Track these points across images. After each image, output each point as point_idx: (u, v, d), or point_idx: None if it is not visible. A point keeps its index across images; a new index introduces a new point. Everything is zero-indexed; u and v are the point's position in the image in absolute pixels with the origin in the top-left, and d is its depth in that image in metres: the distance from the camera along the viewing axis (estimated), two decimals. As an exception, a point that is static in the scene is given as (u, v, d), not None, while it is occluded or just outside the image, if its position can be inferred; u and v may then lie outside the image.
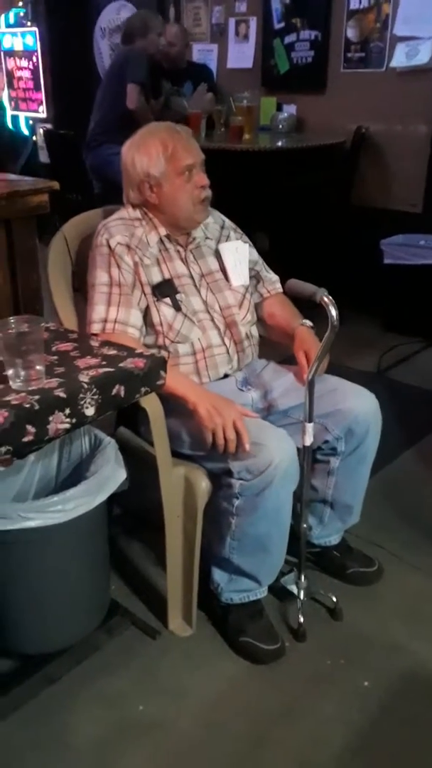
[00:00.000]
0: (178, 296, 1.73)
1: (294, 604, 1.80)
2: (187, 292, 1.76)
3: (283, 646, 1.70)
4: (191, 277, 1.79)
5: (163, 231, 1.78)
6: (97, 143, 3.90)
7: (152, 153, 1.73)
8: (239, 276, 1.85)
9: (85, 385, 1.29)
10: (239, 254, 1.86)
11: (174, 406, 1.61)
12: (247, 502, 1.57)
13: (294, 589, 1.79)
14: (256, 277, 1.95)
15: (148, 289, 1.72)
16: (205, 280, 1.81)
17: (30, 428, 1.21)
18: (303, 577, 1.78)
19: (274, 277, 1.98)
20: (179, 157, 1.72)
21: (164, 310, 1.72)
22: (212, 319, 1.77)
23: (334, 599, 1.82)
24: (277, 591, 1.82)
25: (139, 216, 1.80)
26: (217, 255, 1.85)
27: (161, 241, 1.78)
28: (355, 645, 1.74)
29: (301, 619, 1.75)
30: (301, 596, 1.78)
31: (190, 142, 1.77)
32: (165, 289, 1.73)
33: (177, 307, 1.72)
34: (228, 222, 1.96)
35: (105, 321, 1.68)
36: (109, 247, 1.72)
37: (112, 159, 3.61)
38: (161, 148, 1.73)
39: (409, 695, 1.61)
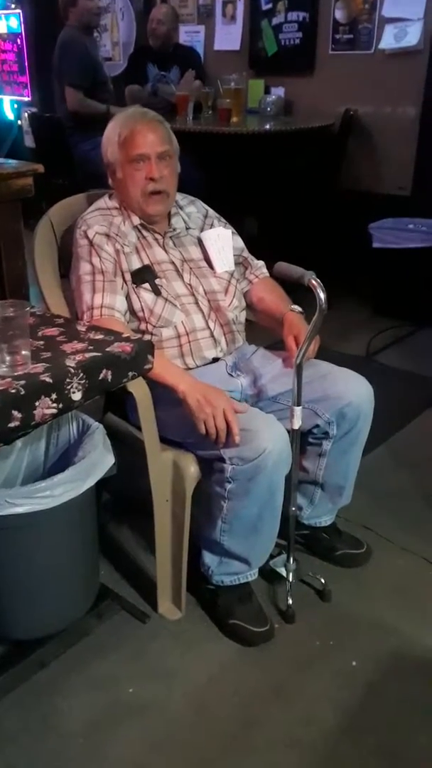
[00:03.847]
0: (157, 281, 1.73)
1: (283, 586, 1.81)
2: (169, 278, 1.76)
3: (272, 628, 1.71)
4: (172, 262, 1.78)
5: (136, 220, 1.78)
6: (75, 140, 3.86)
7: (110, 138, 1.75)
8: (223, 262, 1.84)
9: (72, 370, 1.28)
10: (222, 241, 1.86)
11: (163, 394, 1.61)
12: (239, 486, 1.57)
13: (283, 571, 1.80)
14: (243, 264, 1.95)
15: (128, 277, 1.72)
16: (188, 265, 1.80)
17: (16, 414, 1.20)
18: (292, 560, 1.79)
19: (260, 263, 1.98)
20: (132, 144, 1.71)
21: (144, 296, 1.72)
22: (197, 302, 1.77)
23: (323, 581, 1.83)
24: (266, 573, 1.82)
25: (116, 205, 1.80)
26: (200, 243, 1.84)
27: (138, 229, 1.77)
28: (344, 626, 1.76)
29: (290, 601, 1.76)
30: (290, 578, 1.79)
31: (152, 131, 1.73)
32: (143, 275, 1.73)
33: (157, 291, 1.72)
34: (211, 211, 1.96)
35: (92, 308, 1.67)
36: (88, 238, 1.72)
37: (89, 154, 3.61)
38: (116, 134, 1.73)
39: (397, 675, 1.63)
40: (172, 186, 1.78)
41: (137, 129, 1.72)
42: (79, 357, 1.33)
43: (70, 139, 3.87)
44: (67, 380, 1.27)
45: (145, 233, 1.79)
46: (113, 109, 3.73)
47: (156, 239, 1.80)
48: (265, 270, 1.96)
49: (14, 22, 5.58)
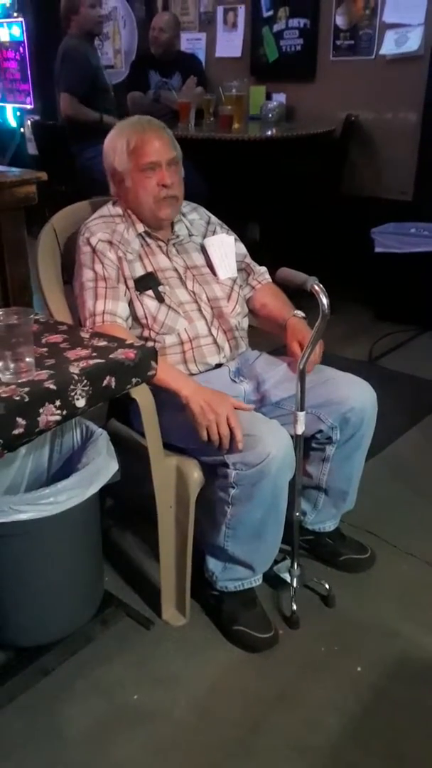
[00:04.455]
0: (161, 288, 1.74)
1: (287, 591, 1.80)
2: (172, 285, 1.76)
3: (276, 634, 1.71)
4: (175, 270, 1.79)
5: (141, 227, 1.78)
6: (77, 148, 3.89)
7: (117, 148, 1.75)
8: (226, 269, 1.85)
9: (76, 377, 1.29)
10: (225, 247, 1.86)
11: (167, 399, 1.61)
12: (243, 492, 1.57)
13: (287, 577, 1.80)
14: (246, 270, 1.96)
15: (131, 284, 1.73)
16: (191, 272, 1.81)
17: (20, 421, 1.21)
18: (296, 565, 1.79)
19: (262, 269, 1.99)
20: (142, 153, 1.73)
21: (147, 303, 1.72)
22: (200, 309, 1.77)
23: (327, 586, 1.83)
24: (271, 579, 1.82)
25: (120, 212, 1.81)
26: (203, 250, 1.85)
27: (142, 236, 1.78)
28: (348, 631, 1.75)
29: (294, 607, 1.76)
30: (294, 584, 1.79)
31: (159, 139, 1.75)
32: (147, 282, 1.74)
33: (160, 298, 1.73)
34: (214, 218, 1.96)
35: (94, 315, 1.68)
36: (91, 245, 1.73)
37: (90, 164, 3.64)
38: (125, 144, 1.74)
39: (402, 680, 1.62)
40: (181, 191, 1.80)
41: (146, 137, 1.73)
42: (82, 364, 1.33)
43: (73, 147, 3.90)
44: (71, 387, 1.27)
45: (149, 240, 1.80)
46: (107, 118, 3.77)
47: (159, 246, 1.81)
48: (267, 276, 1.97)
49: (17, 31, 5.61)
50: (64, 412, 1.27)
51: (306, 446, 1.76)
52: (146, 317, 1.73)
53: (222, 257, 1.85)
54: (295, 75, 4.22)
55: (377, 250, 3.55)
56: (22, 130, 5.82)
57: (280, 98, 4.29)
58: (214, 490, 1.63)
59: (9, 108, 5.96)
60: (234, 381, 1.80)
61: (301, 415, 1.63)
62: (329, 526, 1.95)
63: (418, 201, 3.84)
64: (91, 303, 1.69)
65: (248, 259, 1.97)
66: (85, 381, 1.29)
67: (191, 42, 4.70)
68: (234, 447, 1.54)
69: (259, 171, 3.71)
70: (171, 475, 1.65)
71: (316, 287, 1.56)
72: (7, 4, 5.62)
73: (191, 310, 1.77)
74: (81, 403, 1.30)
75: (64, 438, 1.67)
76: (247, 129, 4.00)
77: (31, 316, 1.35)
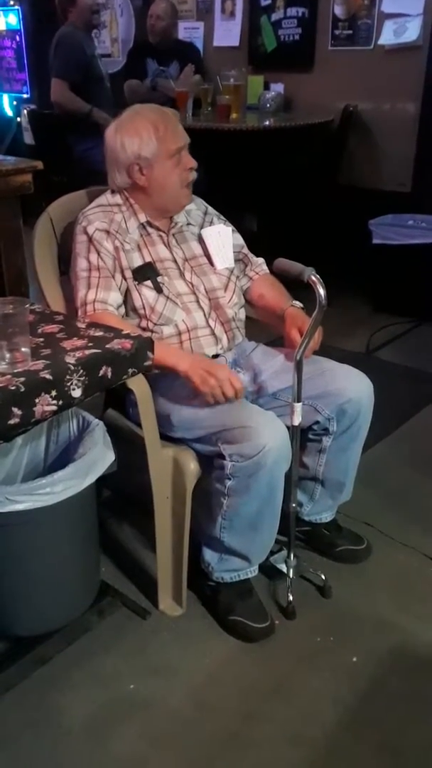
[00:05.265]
0: (159, 279, 1.73)
1: (283, 582, 1.81)
2: (171, 276, 1.75)
3: (272, 624, 1.72)
4: (174, 260, 1.78)
5: (143, 217, 1.77)
6: (73, 139, 3.87)
7: (143, 134, 1.71)
8: (223, 259, 1.84)
9: (72, 367, 1.28)
10: (222, 238, 1.85)
11: (163, 389, 1.61)
12: (239, 483, 1.57)
13: (283, 567, 1.80)
14: (243, 261, 1.95)
15: (128, 274, 1.72)
16: (189, 264, 1.80)
17: (16, 411, 1.20)
18: (292, 556, 1.80)
19: (260, 260, 1.98)
20: (170, 139, 1.71)
21: (145, 293, 1.72)
22: (197, 301, 1.77)
23: (323, 577, 1.83)
24: (267, 569, 1.83)
25: (119, 202, 1.79)
26: (200, 240, 1.84)
27: (142, 226, 1.77)
28: (344, 622, 1.76)
29: (291, 598, 1.77)
30: (291, 574, 1.79)
31: (177, 124, 1.76)
32: (145, 272, 1.72)
33: (158, 289, 1.72)
34: (210, 209, 1.95)
35: (86, 303, 1.68)
36: (87, 234, 1.72)
37: (88, 154, 3.62)
38: (152, 130, 1.71)
39: (397, 671, 1.63)
40: None
41: (171, 123, 1.74)
42: (78, 354, 1.33)
43: (70, 137, 3.88)
44: (67, 377, 1.27)
45: (149, 230, 1.79)
46: (96, 112, 3.76)
47: (160, 236, 1.79)
48: (265, 267, 1.96)
49: (13, 19, 5.56)
50: (60, 403, 1.27)
51: (302, 437, 1.76)
52: (144, 308, 1.72)
53: (219, 248, 1.85)
54: (293, 65, 4.20)
55: (375, 241, 3.55)
56: (18, 119, 5.78)
57: (278, 88, 4.26)
58: (211, 481, 1.63)
59: (5, 97, 5.92)
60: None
61: (298, 406, 1.63)
62: (326, 517, 1.95)
63: (417, 193, 3.83)
64: (84, 292, 1.68)
65: (245, 250, 1.97)
66: (81, 371, 1.29)
67: (189, 31, 4.67)
68: (237, 397, 1.56)
69: (257, 161, 3.69)
70: (168, 466, 1.65)
71: (314, 278, 1.56)
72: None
73: (189, 301, 1.76)
74: (77, 393, 1.29)
75: (60, 428, 1.66)
76: (245, 119, 3.99)
77: (27, 306, 1.35)
